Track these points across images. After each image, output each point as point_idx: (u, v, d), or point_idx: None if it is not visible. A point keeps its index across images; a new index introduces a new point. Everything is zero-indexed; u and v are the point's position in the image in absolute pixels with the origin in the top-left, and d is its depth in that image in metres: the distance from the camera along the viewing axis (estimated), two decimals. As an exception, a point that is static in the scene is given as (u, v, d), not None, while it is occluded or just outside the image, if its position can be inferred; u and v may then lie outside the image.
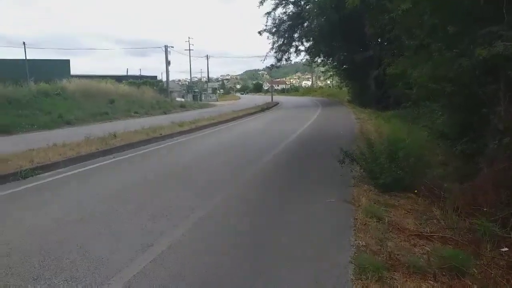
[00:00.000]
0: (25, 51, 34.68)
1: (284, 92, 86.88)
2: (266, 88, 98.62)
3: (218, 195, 5.25)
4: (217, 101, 53.66)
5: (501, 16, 4.34)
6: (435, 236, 3.66)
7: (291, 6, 27.14)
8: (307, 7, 24.51)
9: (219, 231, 3.93)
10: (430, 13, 5.76)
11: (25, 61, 31.38)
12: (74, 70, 34.97)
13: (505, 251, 3.38)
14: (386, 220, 3.99)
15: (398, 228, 3.86)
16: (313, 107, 29.05)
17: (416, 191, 5.08)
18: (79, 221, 4.31)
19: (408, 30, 7.11)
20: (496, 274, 3.01)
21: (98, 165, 7.88)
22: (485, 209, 4.02)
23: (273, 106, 31.17)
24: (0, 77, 19.92)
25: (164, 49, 41.85)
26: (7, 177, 6.40)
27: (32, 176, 6.69)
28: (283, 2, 26.75)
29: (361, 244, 3.44)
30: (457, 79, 5.83)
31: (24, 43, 35.05)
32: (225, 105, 37.48)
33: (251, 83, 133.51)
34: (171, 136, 12.23)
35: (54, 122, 17.39)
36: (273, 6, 26.98)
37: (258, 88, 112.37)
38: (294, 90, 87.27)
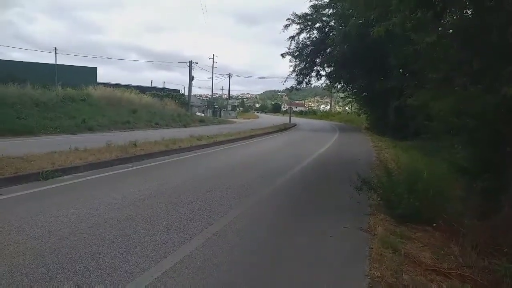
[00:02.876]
0: (55, 56, 36.16)
1: (302, 114, 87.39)
2: (285, 109, 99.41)
3: (232, 212, 5.26)
4: (236, 118, 54.35)
5: None
6: (453, 273, 3.54)
7: (315, 32, 27.74)
8: (331, 34, 24.88)
9: (231, 250, 3.91)
10: (456, 48, 5.74)
11: (54, 66, 32.48)
12: (101, 78, 35.99)
13: None
14: (402, 252, 3.90)
15: (415, 261, 3.76)
16: (330, 131, 28.99)
17: (434, 224, 4.96)
18: (94, 226, 4.38)
19: (432, 62, 7.08)
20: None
21: (117, 172, 8.04)
22: (505, 250, 3.90)
23: (291, 127, 31.30)
24: (30, 80, 20.69)
25: (188, 64, 42.89)
26: (29, 177, 6.62)
27: (52, 178, 6.88)
28: (308, 27, 27.35)
29: (376, 274, 3.36)
30: (481, 115, 5.75)
31: (55, 48, 36.56)
32: (243, 123, 37.84)
33: (270, 103, 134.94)
34: (189, 149, 12.44)
35: (78, 126, 17.93)
36: (297, 31, 27.64)
37: (276, 109, 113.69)
38: (312, 113, 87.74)
